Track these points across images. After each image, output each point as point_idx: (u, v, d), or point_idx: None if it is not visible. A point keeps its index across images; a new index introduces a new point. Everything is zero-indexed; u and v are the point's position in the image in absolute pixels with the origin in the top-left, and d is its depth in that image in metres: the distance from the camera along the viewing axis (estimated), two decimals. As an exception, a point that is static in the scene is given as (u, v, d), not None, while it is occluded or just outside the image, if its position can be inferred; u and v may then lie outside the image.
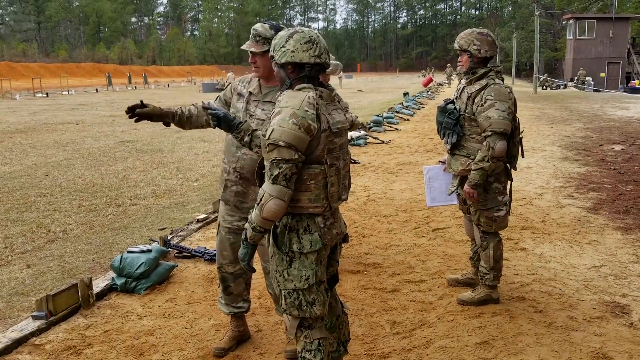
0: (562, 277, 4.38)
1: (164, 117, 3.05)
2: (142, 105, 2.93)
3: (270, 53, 2.52)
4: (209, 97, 24.92)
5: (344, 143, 2.54)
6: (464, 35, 3.80)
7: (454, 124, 3.78)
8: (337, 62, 4.23)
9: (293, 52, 2.41)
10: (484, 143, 3.60)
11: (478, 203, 3.76)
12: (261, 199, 2.32)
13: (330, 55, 4.23)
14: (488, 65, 3.78)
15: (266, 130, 2.34)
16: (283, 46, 2.43)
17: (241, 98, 3.13)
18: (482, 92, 3.65)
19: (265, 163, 2.37)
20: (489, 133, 3.56)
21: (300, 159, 2.31)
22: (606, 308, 3.82)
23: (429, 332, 3.51)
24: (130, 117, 2.92)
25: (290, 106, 2.32)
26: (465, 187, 3.74)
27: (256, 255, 3.40)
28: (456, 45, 3.84)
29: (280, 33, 2.49)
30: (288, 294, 2.47)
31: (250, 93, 3.10)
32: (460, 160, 3.80)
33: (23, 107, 22.99)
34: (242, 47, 3.05)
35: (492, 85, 3.63)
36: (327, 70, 4.04)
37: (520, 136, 3.80)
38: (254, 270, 2.56)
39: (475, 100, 3.67)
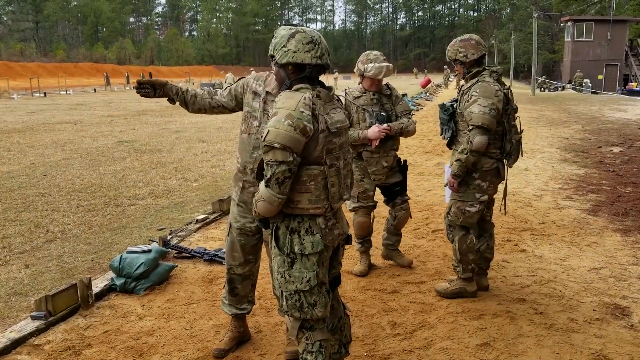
0: (562, 279, 4.38)
1: (168, 91, 3.16)
2: (150, 76, 3.14)
3: (270, 52, 2.49)
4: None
5: (344, 143, 2.52)
6: (449, 47, 3.95)
7: (448, 120, 3.94)
8: (387, 64, 4.21)
9: (295, 52, 2.39)
10: (467, 137, 3.71)
11: (457, 193, 3.85)
12: (257, 196, 2.39)
13: (379, 55, 4.25)
14: (485, 65, 3.95)
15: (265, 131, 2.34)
16: (284, 46, 2.41)
17: (257, 97, 3.07)
18: (470, 89, 3.77)
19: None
20: (470, 127, 3.67)
21: (295, 162, 2.30)
22: (606, 310, 3.82)
23: (430, 334, 3.50)
24: (137, 90, 3.13)
25: (287, 107, 2.31)
26: (449, 177, 3.87)
27: (264, 255, 3.40)
28: (447, 59, 4.01)
29: (281, 32, 2.46)
30: (289, 295, 2.46)
31: (268, 93, 3.02)
32: (456, 155, 3.88)
33: (21, 107, 22.94)
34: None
35: (479, 83, 3.74)
36: (380, 74, 4.14)
37: (520, 135, 3.84)
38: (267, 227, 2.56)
39: (465, 97, 3.81)
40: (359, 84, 4.46)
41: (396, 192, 4.50)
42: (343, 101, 4.33)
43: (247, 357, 3.29)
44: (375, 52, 4.35)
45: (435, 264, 4.75)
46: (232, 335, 3.37)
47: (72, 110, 21.46)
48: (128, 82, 47.06)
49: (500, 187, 4.07)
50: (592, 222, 5.95)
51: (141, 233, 5.71)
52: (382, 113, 4.32)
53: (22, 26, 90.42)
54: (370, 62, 4.22)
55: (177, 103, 3.22)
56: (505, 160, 3.89)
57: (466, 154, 3.68)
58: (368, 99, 4.35)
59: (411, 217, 4.74)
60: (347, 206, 4.59)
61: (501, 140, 3.80)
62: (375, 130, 4.23)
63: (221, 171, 9.11)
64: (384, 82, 4.43)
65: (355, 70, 4.41)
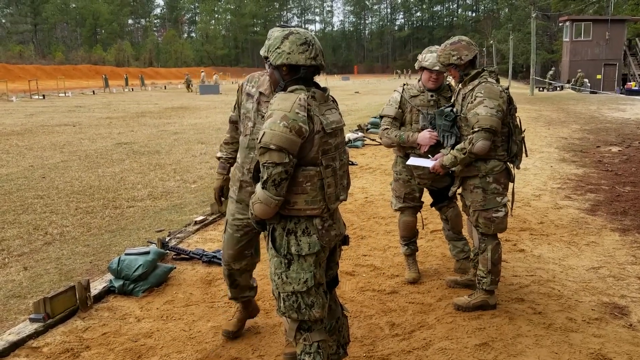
0: (560, 279, 4.38)
1: (227, 179, 3.39)
2: (222, 192, 3.42)
3: (264, 53, 2.49)
4: (206, 99, 24.54)
5: (340, 143, 2.52)
6: (440, 53, 3.84)
7: (450, 126, 3.81)
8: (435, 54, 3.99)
9: (289, 54, 2.39)
10: (469, 137, 3.59)
11: (477, 203, 3.75)
12: (254, 198, 2.38)
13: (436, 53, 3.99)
14: (481, 66, 3.84)
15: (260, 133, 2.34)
16: (278, 47, 2.41)
17: (250, 98, 3.07)
18: (474, 90, 3.68)
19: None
20: (477, 129, 3.54)
21: (291, 163, 2.30)
22: (605, 309, 3.82)
23: (428, 334, 3.50)
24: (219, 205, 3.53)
25: (282, 109, 2.31)
26: (436, 163, 3.78)
27: (264, 256, 3.40)
28: (439, 66, 3.89)
29: (275, 33, 2.46)
30: (287, 296, 2.46)
31: (261, 93, 3.02)
32: (453, 152, 3.79)
33: (19, 109, 22.92)
34: (260, 53, 3.03)
35: (483, 83, 3.65)
36: (437, 65, 3.96)
37: (523, 135, 3.81)
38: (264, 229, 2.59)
39: (468, 100, 3.70)
40: (418, 81, 4.27)
41: (446, 196, 4.28)
42: (399, 97, 4.16)
43: (246, 358, 3.28)
44: (437, 46, 4.10)
45: (434, 264, 4.75)
46: (240, 316, 3.51)
47: (70, 113, 21.45)
48: (127, 84, 47.01)
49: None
50: (591, 221, 5.96)
51: (140, 235, 5.71)
52: None
53: (20, 28, 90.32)
54: (430, 53, 4.06)
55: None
56: (512, 163, 3.79)
57: (464, 154, 3.60)
58: (425, 99, 4.12)
59: (462, 215, 4.42)
60: (392, 206, 4.49)
61: (507, 141, 3.72)
62: (426, 136, 3.98)
63: (220, 172, 9.08)
64: (445, 82, 4.24)
65: (415, 65, 4.21)
